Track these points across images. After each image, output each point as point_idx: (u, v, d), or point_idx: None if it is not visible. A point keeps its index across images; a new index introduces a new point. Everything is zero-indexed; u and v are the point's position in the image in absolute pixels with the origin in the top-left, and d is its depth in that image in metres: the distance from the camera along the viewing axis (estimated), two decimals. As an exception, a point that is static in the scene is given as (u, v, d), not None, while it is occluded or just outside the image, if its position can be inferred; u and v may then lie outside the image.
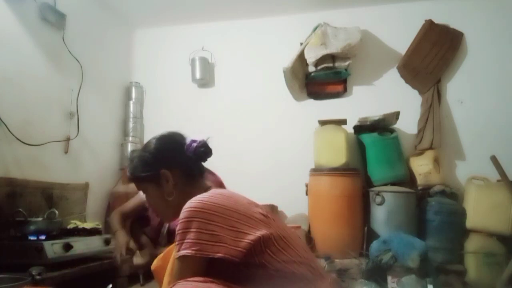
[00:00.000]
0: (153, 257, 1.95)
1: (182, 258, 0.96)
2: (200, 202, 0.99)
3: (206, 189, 1.15)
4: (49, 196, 2.38)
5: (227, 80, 3.43)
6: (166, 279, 1.31)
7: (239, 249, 0.94)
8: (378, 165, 2.79)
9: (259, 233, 0.98)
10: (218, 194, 1.05)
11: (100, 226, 2.37)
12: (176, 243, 0.98)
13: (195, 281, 0.92)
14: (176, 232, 0.98)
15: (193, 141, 1.21)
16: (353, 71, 3.12)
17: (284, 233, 1.05)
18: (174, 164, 1.18)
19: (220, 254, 0.93)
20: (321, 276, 1.05)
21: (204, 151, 1.21)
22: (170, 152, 1.20)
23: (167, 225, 2.41)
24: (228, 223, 0.97)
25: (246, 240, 0.96)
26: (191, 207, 0.98)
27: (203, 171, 1.26)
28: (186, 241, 0.95)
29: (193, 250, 0.94)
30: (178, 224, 0.99)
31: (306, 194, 2.83)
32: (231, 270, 0.97)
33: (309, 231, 2.71)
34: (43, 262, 1.69)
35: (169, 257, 1.37)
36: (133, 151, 1.28)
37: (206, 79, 3.39)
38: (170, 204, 1.17)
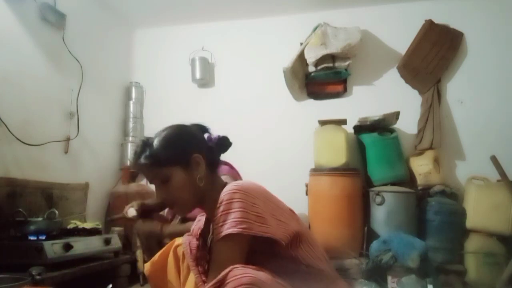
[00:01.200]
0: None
1: (226, 237, 0.92)
2: (242, 186, 0.98)
3: (224, 184, 1.13)
4: (49, 196, 2.39)
5: (227, 80, 3.43)
6: (173, 277, 1.29)
7: (285, 234, 0.93)
8: (378, 165, 2.79)
9: (295, 227, 0.98)
10: (255, 183, 1.05)
11: (100, 226, 2.38)
12: (219, 224, 0.95)
13: (252, 268, 0.88)
14: (219, 214, 0.96)
15: (211, 135, 1.19)
16: (353, 71, 3.12)
17: (309, 232, 1.07)
18: (202, 150, 1.13)
19: (268, 234, 0.91)
20: (339, 276, 1.07)
21: (226, 142, 1.19)
22: (196, 138, 1.17)
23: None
24: (269, 210, 0.97)
25: (288, 228, 0.95)
26: (233, 189, 0.96)
27: (220, 165, 1.23)
28: (230, 220, 0.92)
29: (239, 228, 0.91)
30: (220, 205, 0.96)
31: (306, 194, 2.83)
32: (268, 261, 0.96)
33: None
34: (43, 262, 1.69)
35: (165, 261, 1.34)
36: (148, 138, 1.15)
37: (206, 79, 3.39)
38: (197, 192, 1.10)
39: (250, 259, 0.96)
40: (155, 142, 1.10)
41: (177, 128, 1.16)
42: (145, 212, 1.93)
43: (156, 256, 1.38)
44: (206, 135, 1.18)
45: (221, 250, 0.94)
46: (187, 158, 1.09)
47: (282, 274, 0.95)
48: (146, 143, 1.12)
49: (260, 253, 0.94)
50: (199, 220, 1.31)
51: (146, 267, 1.37)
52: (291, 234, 0.94)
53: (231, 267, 0.87)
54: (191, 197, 1.10)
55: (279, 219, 0.97)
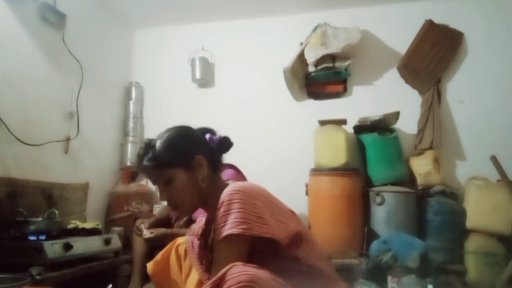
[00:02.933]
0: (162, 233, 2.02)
1: (227, 238, 0.93)
2: (243, 187, 0.99)
3: (226, 185, 1.13)
4: (49, 196, 2.39)
5: (227, 80, 3.43)
6: (176, 275, 1.30)
7: (285, 234, 0.94)
8: (378, 165, 2.79)
9: (295, 227, 0.99)
10: (255, 184, 1.06)
11: (100, 226, 2.38)
12: (220, 225, 0.96)
13: (252, 266, 0.88)
14: (220, 215, 0.97)
15: (213, 134, 1.19)
16: (353, 71, 3.12)
17: (309, 232, 1.08)
18: (204, 152, 1.14)
19: (268, 235, 0.92)
20: (338, 277, 1.07)
21: (227, 142, 1.19)
22: (198, 140, 1.17)
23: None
24: (269, 211, 0.98)
25: (289, 228, 0.96)
26: (234, 190, 0.97)
27: (222, 165, 1.24)
28: (231, 221, 0.93)
29: (240, 229, 0.92)
30: (221, 206, 0.97)
31: (306, 194, 2.83)
32: (269, 261, 0.97)
33: (309, 231, 2.71)
34: (43, 262, 1.69)
35: (167, 260, 1.36)
36: (150, 139, 1.17)
37: (206, 79, 3.39)
38: (199, 193, 1.12)
39: (251, 258, 0.96)
40: (158, 144, 1.11)
41: (179, 130, 1.16)
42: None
43: (158, 256, 1.40)
44: (207, 136, 1.18)
45: (223, 250, 0.95)
46: (190, 160, 1.10)
47: (283, 273, 0.96)
48: (148, 145, 1.13)
49: (261, 252, 0.95)
50: (200, 221, 1.33)
51: (149, 267, 1.39)
52: (291, 234, 0.95)
53: (231, 264, 0.87)
54: (194, 198, 1.12)
55: (279, 219, 0.98)
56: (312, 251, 1.01)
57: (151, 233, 2.17)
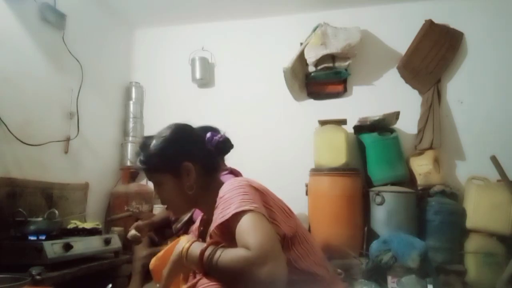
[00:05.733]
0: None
1: (238, 215, 0.86)
2: (244, 181, 0.97)
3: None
4: (49, 196, 2.39)
5: (227, 80, 3.43)
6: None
7: (288, 229, 0.92)
8: (378, 165, 2.79)
9: (288, 229, 0.96)
10: (254, 181, 1.03)
11: (100, 226, 2.38)
12: (223, 208, 0.91)
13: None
14: (221, 203, 0.93)
15: (214, 134, 1.15)
16: (353, 71, 3.12)
17: (306, 233, 1.04)
18: (195, 157, 1.11)
19: (276, 222, 0.89)
20: (336, 279, 1.05)
21: (226, 145, 1.16)
22: (191, 144, 1.14)
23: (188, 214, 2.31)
24: (271, 204, 0.97)
25: (280, 230, 0.93)
26: (236, 181, 0.95)
27: (220, 166, 1.21)
28: (240, 201, 0.88)
29: (252, 206, 0.87)
30: (219, 203, 0.94)
31: (306, 194, 2.83)
32: None
33: (309, 231, 2.71)
34: (43, 262, 1.69)
35: (168, 257, 1.38)
36: (147, 138, 1.15)
37: (206, 79, 3.39)
38: (188, 198, 1.10)
39: None
40: (151, 146, 1.11)
41: (173, 132, 1.14)
42: (141, 231, 2.07)
43: (161, 252, 1.42)
44: (208, 136, 1.15)
45: (244, 225, 0.86)
46: (177, 167, 1.09)
47: None
48: (143, 146, 1.13)
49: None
50: (197, 222, 1.32)
51: (152, 262, 1.42)
52: (293, 231, 0.94)
53: (198, 277, 0.88)
54: (182, 202, 1.12)
55: (275, 219, 0.95)
56: (306, 254, 0.97)
57: (134, 234, 2.10)
